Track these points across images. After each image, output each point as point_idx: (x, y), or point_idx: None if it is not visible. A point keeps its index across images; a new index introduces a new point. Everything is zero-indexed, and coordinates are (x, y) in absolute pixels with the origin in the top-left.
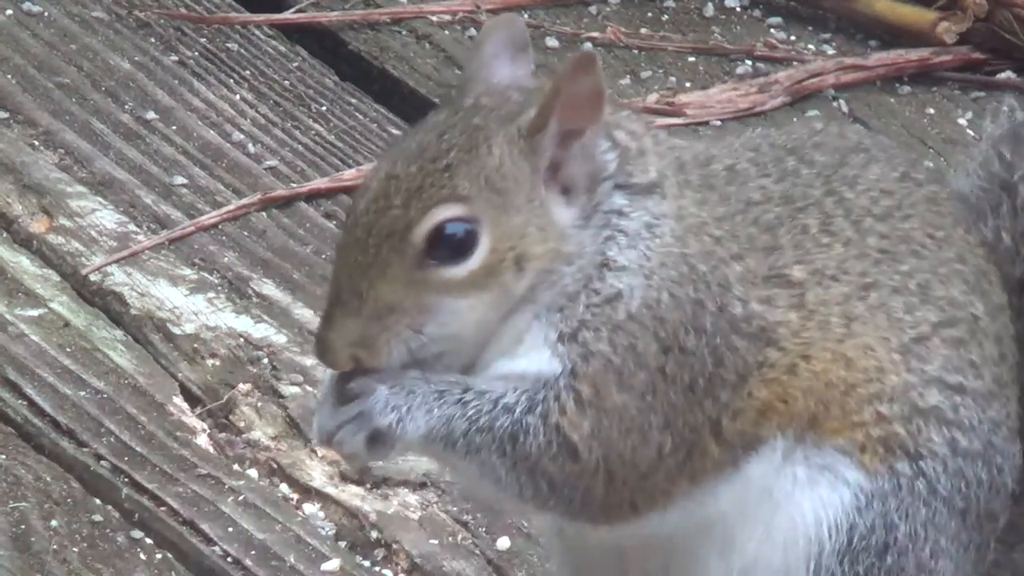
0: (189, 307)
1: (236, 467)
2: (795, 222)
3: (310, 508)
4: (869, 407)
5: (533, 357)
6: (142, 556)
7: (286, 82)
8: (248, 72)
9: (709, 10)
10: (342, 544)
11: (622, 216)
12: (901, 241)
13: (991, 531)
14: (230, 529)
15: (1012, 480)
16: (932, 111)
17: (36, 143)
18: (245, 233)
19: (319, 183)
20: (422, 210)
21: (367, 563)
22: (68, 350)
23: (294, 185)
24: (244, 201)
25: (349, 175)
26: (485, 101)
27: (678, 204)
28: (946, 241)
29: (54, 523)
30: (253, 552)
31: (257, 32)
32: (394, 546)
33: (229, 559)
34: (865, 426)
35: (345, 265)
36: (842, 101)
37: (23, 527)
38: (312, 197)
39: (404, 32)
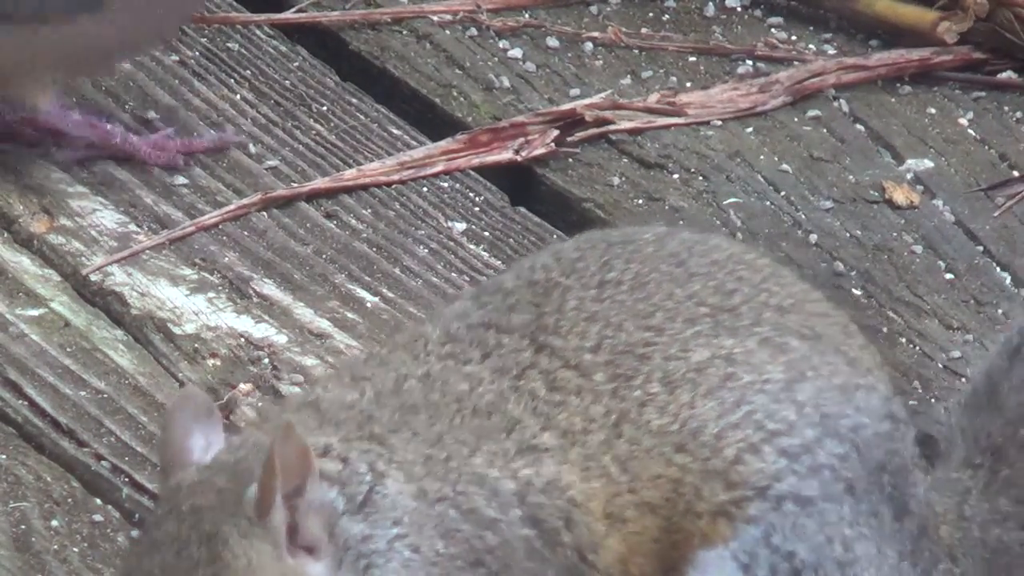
0: (190, 307)
1: None
2: (520, 392)
3: None
4: (689, 517)
5: None
6: None
7: (287, 82)
8: (249, 72)
9: (710, 10)
10: None
11: (367, 540)
12: (623, 355)
13: (893, 475)
14: None
15: (886, 420)
16: (933, 111)
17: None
18: (245, 233)
19: (319, 183)
20: None
21: None
22: (68, 350)
23: (294, 185)
24: (244, 201)
25: (350, 175)
26: (201, 501)
27: (397, 468)
28: (666, 318)
29: (54, 523)
30: None
31: (258, 32)
32: None
33: None
34: (697, 527)
35: None
36: (843, 101)
37: (23, 527)
38: (313, 197)
39: (405, 32)
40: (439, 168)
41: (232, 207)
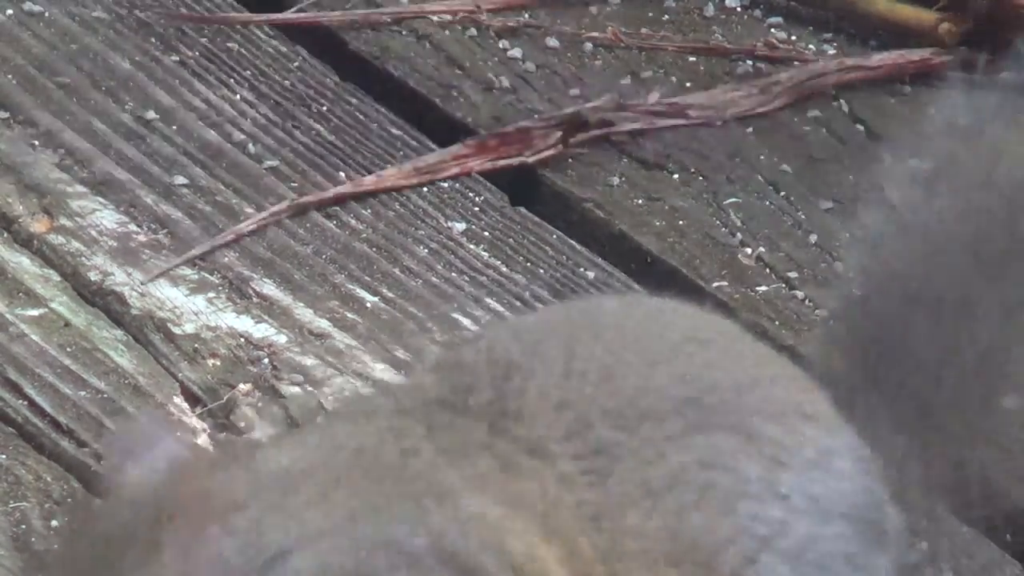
0: (189, 307)
1: None
2: (461, 468)
3: None
4: None
5: None
6: None
7: (287, 82)
8: (248, 72)
9: (710, 10)
10: None
11: None
12: (595, 454)
13: (875, 524)
14: None
15: (861, 468)
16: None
17: (36, 143)
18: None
19: (346, 188)
20: None
21: None
22: (68, 350)
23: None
24: (274, 208)
25: (370, 180)
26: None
27: (307, 542)
28: (635, 416)
29: (54, 523)
30: None
31: (258, 32)
32: None
33: None
34: None
35: None
36: (843, 101)
37: (23, 527)
38: (340, 202)
39: (405, 32)
40: (452, 172)
41: (264, 215)
